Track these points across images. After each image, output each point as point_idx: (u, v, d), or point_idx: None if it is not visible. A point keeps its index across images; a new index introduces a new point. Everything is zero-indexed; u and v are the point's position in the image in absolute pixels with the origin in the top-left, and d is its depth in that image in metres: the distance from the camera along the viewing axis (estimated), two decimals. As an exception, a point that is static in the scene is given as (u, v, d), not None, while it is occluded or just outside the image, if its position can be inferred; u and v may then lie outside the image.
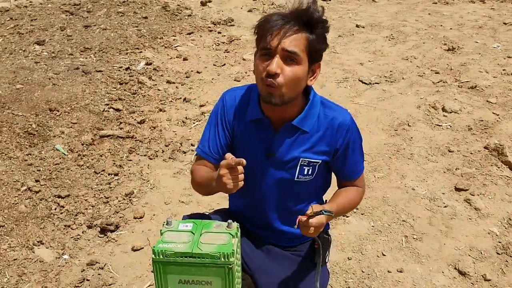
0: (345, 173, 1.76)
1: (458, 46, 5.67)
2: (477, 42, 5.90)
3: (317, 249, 1.78)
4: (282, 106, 1.53)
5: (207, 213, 2.00)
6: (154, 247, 1.40)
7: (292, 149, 1.64)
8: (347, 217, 2.91)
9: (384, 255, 2.62)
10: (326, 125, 1.64)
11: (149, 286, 2.39)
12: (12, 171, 3.11)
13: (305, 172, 1.67)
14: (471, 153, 3.52)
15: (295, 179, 1.68)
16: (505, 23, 6.68)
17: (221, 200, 2.89)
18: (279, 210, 1.79)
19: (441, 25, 6.62)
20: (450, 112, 4.11)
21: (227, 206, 2.03)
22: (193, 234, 1.46)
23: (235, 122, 1.71)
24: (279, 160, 1.66)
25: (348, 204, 1.74)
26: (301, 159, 1.65)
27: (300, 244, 1.90)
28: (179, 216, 2.91)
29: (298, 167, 1.66)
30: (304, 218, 1.49)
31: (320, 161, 1.66)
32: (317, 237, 1.65)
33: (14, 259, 2.50)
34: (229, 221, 1.50)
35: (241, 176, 1.47)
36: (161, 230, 1.47)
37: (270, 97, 1.50)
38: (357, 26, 6.64)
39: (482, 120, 3.96)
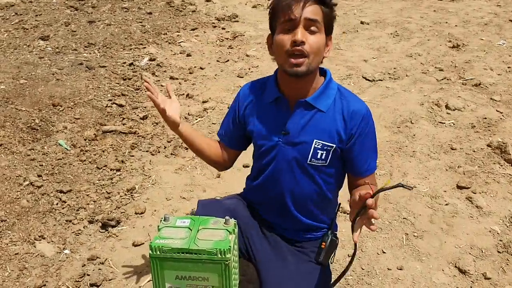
0: (357, 166, 1.73)
1: (463, 43, 5.64)
2: (482, 39, 5.87)
3: (323, 249, 1.75)
4: (306, 77, 1.60)
5: (219, 198, 2.07)
6: (151, 243, 1.41)
7: (307, 129, 1.67)
8: (348, 214, 2.91)
9: (384, 252, 2.62)
10: (342, 109, 1.66)
11: (149, 281, 2.40)
12: (14, 165, 3.12)
13: (318, 156, 1.68)
14: (474, 151, 3.51)
15: (308, 161, 1.69)
16: (511, 20, 6.63)
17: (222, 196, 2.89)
18: (294, 195, 1.80)
19: (446, 22, 6.58)
20: (454, 110, 4.09)
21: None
22: (191, 230, 1.47)
23: (249, 107, 1.81)
24: (293, 138, 1.69)
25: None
26: (314, 140, 1.66)
27: (308, 241, 1.92)
28: (180, 212, 2.92)
29: (312, 149, 1.67)
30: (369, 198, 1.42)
31: (334, 145, 1.66)
32: (327, 235, 1.70)
33: (16, 254, 2.52)
34: (227, 217, 1.50)
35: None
36: (158, 226, 1.48)
37: (297, 67, 1.54)
38: (362, 22, 6.62)
39: (485, 118, 3.94)
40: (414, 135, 3.77)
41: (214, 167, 2.03)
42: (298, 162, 1.71)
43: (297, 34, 1.51)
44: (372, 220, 1.44)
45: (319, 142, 1.65)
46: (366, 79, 4.79)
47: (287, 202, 1.81)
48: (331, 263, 1.85)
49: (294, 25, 1.53)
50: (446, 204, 2.98)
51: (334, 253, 1.80)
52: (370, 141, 1.72)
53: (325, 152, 1.67)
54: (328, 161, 1.69)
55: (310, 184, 1.76)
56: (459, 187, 3.13)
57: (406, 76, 4.87)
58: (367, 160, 1.74)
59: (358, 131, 1.66)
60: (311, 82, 1.65)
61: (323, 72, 1.74)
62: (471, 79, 4.67)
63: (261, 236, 1.90)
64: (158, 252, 1.40)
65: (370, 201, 1.42)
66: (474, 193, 3.06)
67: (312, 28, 1.53)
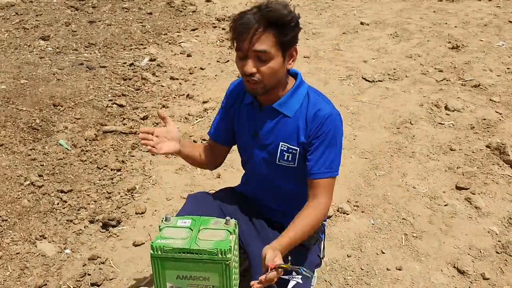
0: (315, 168, 1.69)
1: (463, 44, 5.66)
2: (481, 40, 5.89)
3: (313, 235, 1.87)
4: (266, 94, 1.67)
5: (210, 192, 2.12)
6: (152, 242, 1.42)
7: (273, 132, 1.75)
8: (347, 214, 2.92)
9: (384, 253, 2.63)
10: (306, 113, 1.70)
11: (149, 281, 2.41)
12: (15, 165, 3.13)
13: (285, 158, 1.76)
14: (473, 152, 3.52)
15: (277, 162, 1.78)
16: (510, 21, 6.65)
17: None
18: (271, 188, 1.92)
19: (446, 23, 6.60)
20: (453, 111, 4.11)
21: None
22: (191, 230, 1.48)
23: (234, 106, 1.88)
24: (262, 141, 1.79)
25: (301, 233, 1.61)
26: (280, 143, 1.74)
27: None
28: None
29: (279, 152, 1.75)
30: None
31: (299, 149, 1.73)
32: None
33: (17, 253, 2.53)
34: (227, 218, 1.52)
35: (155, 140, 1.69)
36: (159, 226, 1.49)
37: (253, 91, 1.64)
38: (362, 23, 6.63)
39: (484, 119, 3.96)
40: (413, 136, 3.79)
41: (205, 168, 2.10)
42: (268, 162, 1.81)
43: (246, 66, 1.56)
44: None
45: (284, 145, 1.74)
46: (366, 80, 4.80)
47: (268, 195, 1.96)
48: (321, 252, 1.99)
49: (244, 56, 1.57)
50: (445, 205, 3.00)
51: (323, 241, 1.97)
52: (328, 144, 1.69)
53: (291, 154, 1.74)
54: (296, 163, 1.75)
55: (286, 182, 1.86)
56: (458, 188, 3.15)
57: (406, 77, 4.89)
58: (321, 163, 1.69)
59: (317, 134, 1.67)
60: (277, 91, 1.70)
61: (295, 74, 1.78)
62: (471, 80, 4.69)
63: (249, 223, 1.97)
64: (159, 252, 1.41)
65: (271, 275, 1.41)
66: (473, 193, 3.08)
67: (263, 57, 1.55)
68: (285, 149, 1.74)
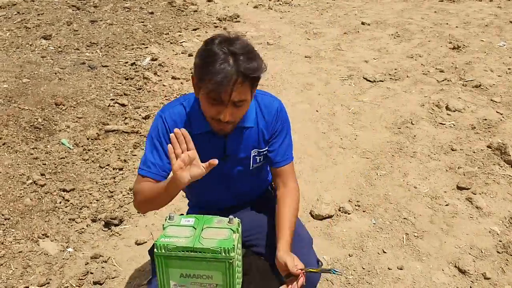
0: (278, 157, 1.84)
1: (464, 45, 5.66)
2: (482, 40, 5.89)
3: (274, 188, 1.97)
4: None
5: None
6: (156, 241, 1.42)
7: (244, 146, 1.80)
8: (348, 214, 2.93)
9: (385, 252, 2.64)
10: (263, 115, 1.79)
11: (151, 279, 2.42)
12: (18, 164, 3.14)
13: (258, 161, 1.86)
14: (474, 152, 3.53)
15: (250, 168, 1.86)
16: (511, 22, 6.65)
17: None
18: (238, 195, 1.99)
19: (447, 23, 6.60)
20: (454, 111, 4.12)
21: None
22: (195, 229, 1.48)
23: None
24: (235, 157, 1.81)
25: (294, 222, 1.78)
26: (252, 151, 1.81)
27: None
28: (183, 211, 2.94)
29: (252, 159, 1.83)
30: None
31: (267, 148, 1.84)
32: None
33: (19, 252, 2.54)
34: (230, 216, 1.52)
35: (192, 155, 1.49)
36: (163, 225, 1.50)
37: (223, 132, 1.67)
38: (363, 23, 6.64)
39: (485, 119, 3.96)
40: (414, 136, 3.79)
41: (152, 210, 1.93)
42: (241, 172, 1.87)
43: (223, 115, 1.55)
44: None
45: (256, 151, 1.82)
46: (367, 80, 4.81)
47: (234, 202, 2.02)
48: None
49: (221, 104, 1.54)
50: (446, 205, 3.01)
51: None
52: (288, 131, 1.86)
53: (262, 156, 1.86)
54: (264, 159, 1.89)
55: (253, 180, 1.98)
56: (459, 188, 3.15)
57: (407, 77, 4.89)
58: (287, 149, 1.86)
59: (276, 127, 1.81)
60: None
61: None
62: (472, 80, 4.69)
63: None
64: (163, 251, 1.42)
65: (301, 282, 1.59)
66: (474, 193, 3.09)
67: (240, 104, 1.56)
68: (256, 154, 1.83)
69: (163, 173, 1.73)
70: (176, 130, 1.46)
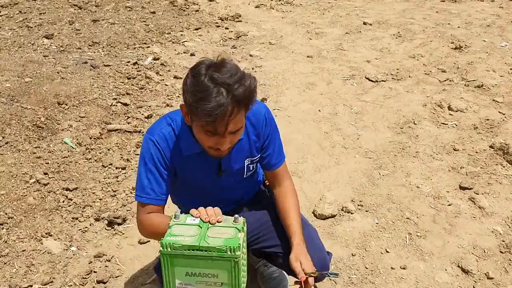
0: (273, 160, 1.89)
1: (466, 45, 5.66)
2: (484, 40, 5.89)
3: (267, 185, 2.10)
4: None
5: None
6: (162, 239, 1.43)
7: (237, 159, 1.82)
8: (351, 213, 2.93)
9: (388, 252, 2.65)
10: (253, 123, 1.79)
11: (155, 279, 2.42)
12: (21, 163, 3.15)
13: (251, 168, 1.91)
14: (477, 152, 3.53)
15: (244, 177, 1.90)
16: (513, 22, 6.65)
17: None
18: (233, 202, 2.02)
19: (449, 23, 6.60)
20: (456, 111, 4.12)
21: None
22: (200, 227, 1.49)
23: (174, 158, 1.74)
24: (230, 171, 1.84)
25: (299, 218, 1.88)
26: (245, 160, 1.85)
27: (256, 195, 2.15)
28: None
29: (245, 168, 1.87)
30: None
31: (259, 155, 1.87)
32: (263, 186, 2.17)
33: (23, 250, 2.54)
34: (236, 215, 1.53)
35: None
36: (169, 224, 1.50)
37: (220, 157, 1.70)
38: (365, 23, 6.64)
39: (488, 119, 3.96)
40: (417, 136, 3.79)
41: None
42: (236, 182, 1.91)
43: (223, 146, 1.56)
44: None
45: (249, 160, 1.86)
46: (369, 80, 4.81)
47: (228, 209, 1.94)
48: None
49: (218, 135, 1.54)
50: (449, 205, 3.01)
51: None
52: (276, 135, 1.89)
53: (254, 164, 1.90)
54: (257, 166, 1.95)
55: (247, 186, 2.03)
56: (462, 188, 3.15)
57: (409, 77, 4.90)
58: (280, 150, 1.91)
59: (266, 132, 1.83)
60: None
61: None
62: (474, 80, 4.69)
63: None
64: (169, 249, 1.42)
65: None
66: (476, 193, 3.09)
67: (237, 132, 1.58)
68: (249, 163, 1.86)
69: (163, 197, 1.75)
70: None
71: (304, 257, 1.73)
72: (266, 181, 2.12)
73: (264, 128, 1.81)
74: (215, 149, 1.59)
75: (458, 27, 6.47)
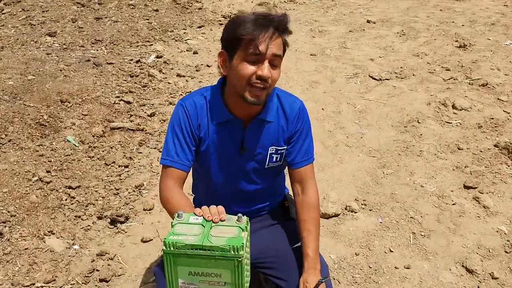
0: (298, 157, 1.82)
1: (470, 43, 5.63)
2: (489, 39, 5.86)
3: (287, 207, 2.01)
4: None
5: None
6: (165, 239, 1.41)
7: (262, 141, 1.77)
8: (355, 212, 2.92)
9: (392, 251, 2.63)
10: (284, 112, 1.78)
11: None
12: (23, 161, 3.14)
13: (274, 160, 1.81)
14: (481, 151, 3.51)
15: (266, 166, 1.82)
16: (518, 20, 6.62)
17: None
18: (249, 199, 1.93)
19: (453, 22, 6.57)
20: (460, 110, 4.09)
21: None
22: (204, 227, 1.47)
23: (200, 127, 1.74)
24: (251, 152, 1.78)
25: (318, 232, 1.81)
26: (269, 148, 1.78)
27: (269, 213, 2.04)
28: (188, 209, 2.93)
29: (268, 156, 1.79)
30: None
31: (286, 147, 1.80)
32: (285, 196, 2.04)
33: (25, 249, 2.54)
34: (239, 214, 1.51)
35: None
36: (172, 223, 1.49)
37: (257, 98, 1.59)
38: (368, 21, 6.61)
39: (492, 118, 3.94)
40: (421, 134, 3.77)
41: None
42: (256, 170, 1.83)
43: (264, 69, 1.54)
44: None
45: (273, 149, 1.79)
46: (373, 78, 4.79)
47: (246, 199, 1.92)
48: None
49: (260, 59, 1.54)
50: (453, 204, 2.99)
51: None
52: (307, 134, 1.84)
53: (279, 155, 1.81)
54: (282, 160, 1.84)
55: (267, 182, 1.91)
56: (466, 187, 3.14)
57: (413, 75, 4.87)
58: (308, 150, 1.83)
59: (297, 127, 1.79)
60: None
61: None
62: (478, 79, 4.67)
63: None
64: (172, 248, 1.41)
65: None
66: (481, 193, 3.07)
67: (275, 62, 1.58)
68: (273, 152, 1.79)
69: (186, 163, 1.73)
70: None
71: (301, 278, 1.71)
72: (286, 201, 2.03)
73: (296, 121, 1.78)
74: (254, 83, 1.56)
75: (463, 25, 6.43)
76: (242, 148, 1.76)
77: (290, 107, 1.78)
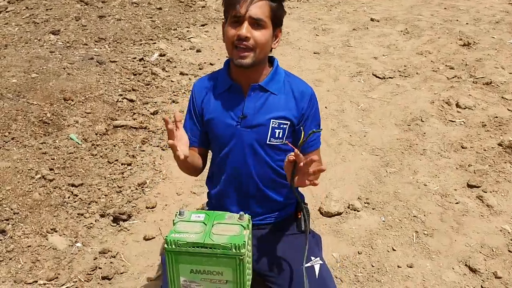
0: (308, 142, 1.84)
1: (474, 41, 5.60)
2: (493, 37, 5.83)
3: (299, 218, 1.95)
4: (252, 68, 1.70)
5: None
6: (167, 236, 1.42)
7: (263, 111, 1.78)
8: (358, 211, 2.91)
9: (395, 250, 2.62)
10: (291, 90, 1.81)
11: (160, 275, 2.42)
12: (26, 159, 3.15)
13: (276, 135, 1.80)
14: (485, 150, 3.50)
15: (267, 141, 1.80)
16: (522, 19, 6.58)
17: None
18: (259, 177, 1.88)
19: (457, 20, 6.54)
20: (464, 108, 4.08)
21: None
22: (205, 224, 1.47)
23: (205, 100, 1.86)
24: (251, 121, 1.79)
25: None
26: (271, 120, 1.78)
27: (281, 221, 2.00)
28: (191, 207, 2.93)
29: (270, 130, 1.79)
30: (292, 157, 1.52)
31: (289, 122, 1.79)
32: (299, 204, 1.88)
33: (28, 246, 2.54)
34: (241, 212, 1.51)
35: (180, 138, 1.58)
36: (173, 220, 1.49)
37: (242, 59, 1.66)
38: (372, 19, 6.59)
39: (496, 117, 3.92)
40: (424, 133, 3.76)
41: (194, 176, 1.99)
42: (258, 143, 1.81)
43: (241, 29, 1.62)
44: (309, 176, 1.49)
45: (275, 122, 1.78)
46: (376, 77, 4.77)
47: (255, 184, 1.89)
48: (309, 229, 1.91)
49: (240, 21, 1.63)
50: (457, 203, 2.98)
51: (309, 221, 1.96)
52: (318, 118, 1.88)
53: (281, 130, 1.80)
54: (284, 138, 1.82)
55: (272, 164, 1.87)
56: (470, 186, 3.12)
57: (417, 74, 4.85)
58: (314, 134, 1.86)
59: (309, 109, 1.82)
60: (261, 69, 1.78)
61: (272, 60, 1.86)
62: (482, 77, 4.64)
63: None
64: (173, 246, 1.41)
65: (292, 157, 1.52)
66: (484, 192, 3.05)
67: (260, 23, 1.63)
68: (276, 125, 1.79)
69: (193, 138, 1.89)
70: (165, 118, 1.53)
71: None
72: (300, 212, 1.98)
73: (306, 105, 1.80)
74: (237, 43, 1.63)
75: (467, 23, 6.40)
76: (242, 115, 1.79)
77: (298, 88, 1.81)
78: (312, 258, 1.81)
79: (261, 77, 1.78)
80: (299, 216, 1.97)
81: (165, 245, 1.41)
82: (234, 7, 1.62)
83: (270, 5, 1.65)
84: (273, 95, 1.78)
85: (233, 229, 1.46)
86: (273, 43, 1.73)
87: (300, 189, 2.03)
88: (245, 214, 1.51)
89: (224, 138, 1.83)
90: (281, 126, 1.79)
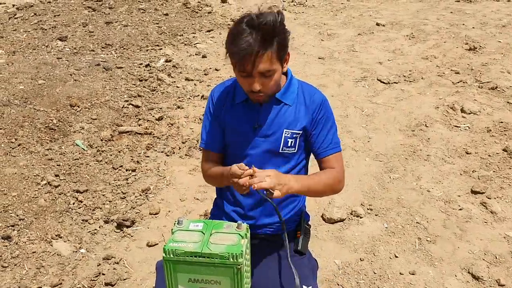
0: (322, 146, 1.84)
1: (480, 46, 5.58)
2: (500, 41, 5.80)
3: (299, 238, 1.91)
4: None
5: None
6: (165, 246, 1.43)
7: (276, 121, 1.81)
8: (360, 217, 2.91)
9: (397, 257, 2.62)
10: (304, 99, 1.83)
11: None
12: (32, 165, 3.18)
13: (289, 144, 1.82)
14: (489, 156, 3.48)
15: (280, 150, 1.82)
16: (529, 22, 6.54)
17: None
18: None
19: (463, 24, 6.52)
20: (469, 113, 4.06)
21: None
22: (203, 234, 1.48)
23: (223, 109, 1.87)
24: (265, 131, 1.81)
25: (317, 182, 1.77)
26: (284, 130, 1.80)
27: (279, 235, 1.94)
28: (194, 214, 2.95)
29: (283, 139, 1.81)
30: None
31: (301, 132, 1.81)
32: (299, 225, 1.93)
33: (33, 252, 2.57)
34: (239, 222, 1.52)
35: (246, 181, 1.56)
36: (172, 229, 1.50)
37: (258, 101, 1.76)
38: (377, 24, 6.59)
39: (502, 122, 3.90)
40: (428, 138, 3.75)
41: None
42: (271, 152, 1.83)
43: (253, 85, 1.63)
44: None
45: (288, 132, 1.80)
46: (381, 82, 4.77)
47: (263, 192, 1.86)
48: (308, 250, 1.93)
49: (249, 76, 1.62)
50: (460, 209, 2.97)
51: (308, 241, 1.95)
52: (332, 123, 1.87)
53: (293, 140, 1.82)
54: (296, 147, 1.84)
55: (284, 172, 1.85)
56: (474, 192, 3.11)
57: (422, 78, 4.85)
58: (332, 139, 1.85)
59: (321, 114, 1.83)
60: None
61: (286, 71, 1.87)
62: (488, 82, 4.63)
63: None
64: (171, 255, 1.42)
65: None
66: (488, 198, 3.04)
67: (267, 74, 1.62)
68: (288, 135, 1.81)
69: (218, 146, 1.90)
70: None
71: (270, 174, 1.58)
72: (299, 232, 1.94)
73: (317, 111, 1.82)
74: (250, 91, 1.67)
75: (473, 27, 6.38)
76: (257, 125, 1.82)
77: (310, 95, 1.83)
78: (304, 287, 1.78)
79: (276, 91, 1.81)
80: (298, 236, 1.93)
81: (163, 254, 1.43)
82: (240, 65, 1.60)
83: (274, 51, 1.61)
84: (286, 106, 1.81)
85: (231, 238, 1.47)
86: (283, 69, 1.73)
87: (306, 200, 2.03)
88: (243, 223, 1.52)
89: (238, 146, 1.87)
90: (294, 136, 1.82)
